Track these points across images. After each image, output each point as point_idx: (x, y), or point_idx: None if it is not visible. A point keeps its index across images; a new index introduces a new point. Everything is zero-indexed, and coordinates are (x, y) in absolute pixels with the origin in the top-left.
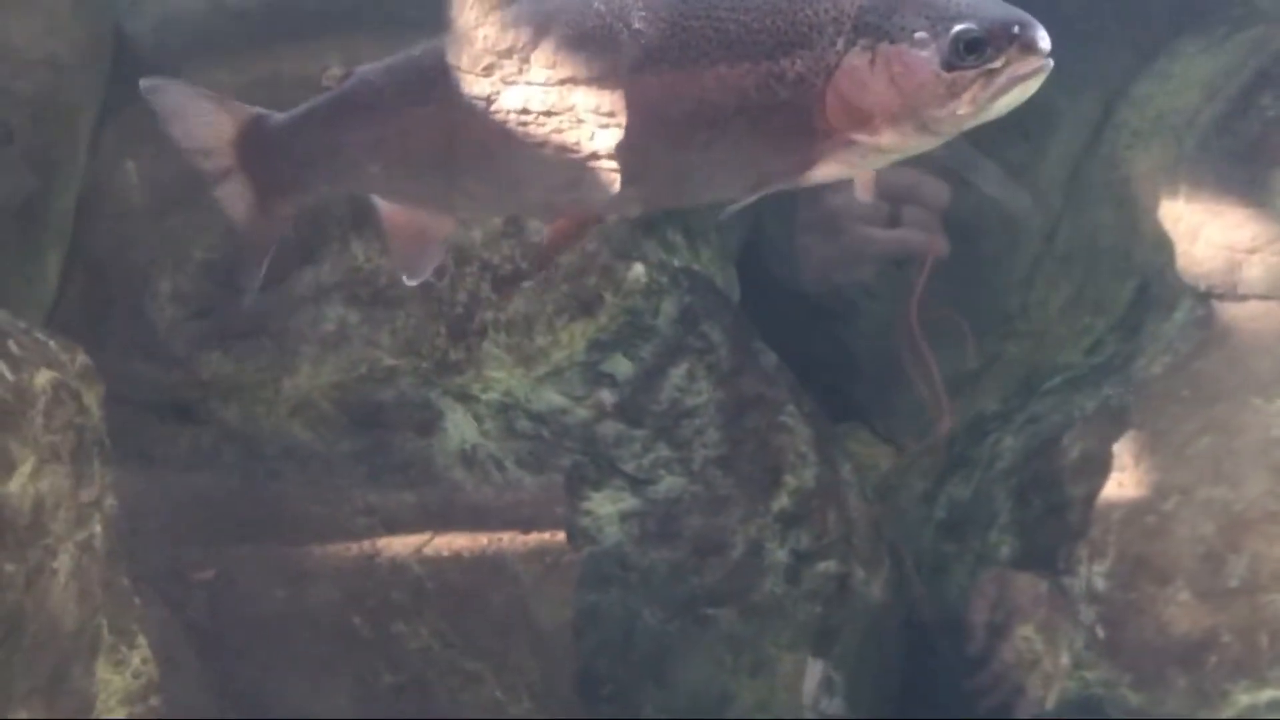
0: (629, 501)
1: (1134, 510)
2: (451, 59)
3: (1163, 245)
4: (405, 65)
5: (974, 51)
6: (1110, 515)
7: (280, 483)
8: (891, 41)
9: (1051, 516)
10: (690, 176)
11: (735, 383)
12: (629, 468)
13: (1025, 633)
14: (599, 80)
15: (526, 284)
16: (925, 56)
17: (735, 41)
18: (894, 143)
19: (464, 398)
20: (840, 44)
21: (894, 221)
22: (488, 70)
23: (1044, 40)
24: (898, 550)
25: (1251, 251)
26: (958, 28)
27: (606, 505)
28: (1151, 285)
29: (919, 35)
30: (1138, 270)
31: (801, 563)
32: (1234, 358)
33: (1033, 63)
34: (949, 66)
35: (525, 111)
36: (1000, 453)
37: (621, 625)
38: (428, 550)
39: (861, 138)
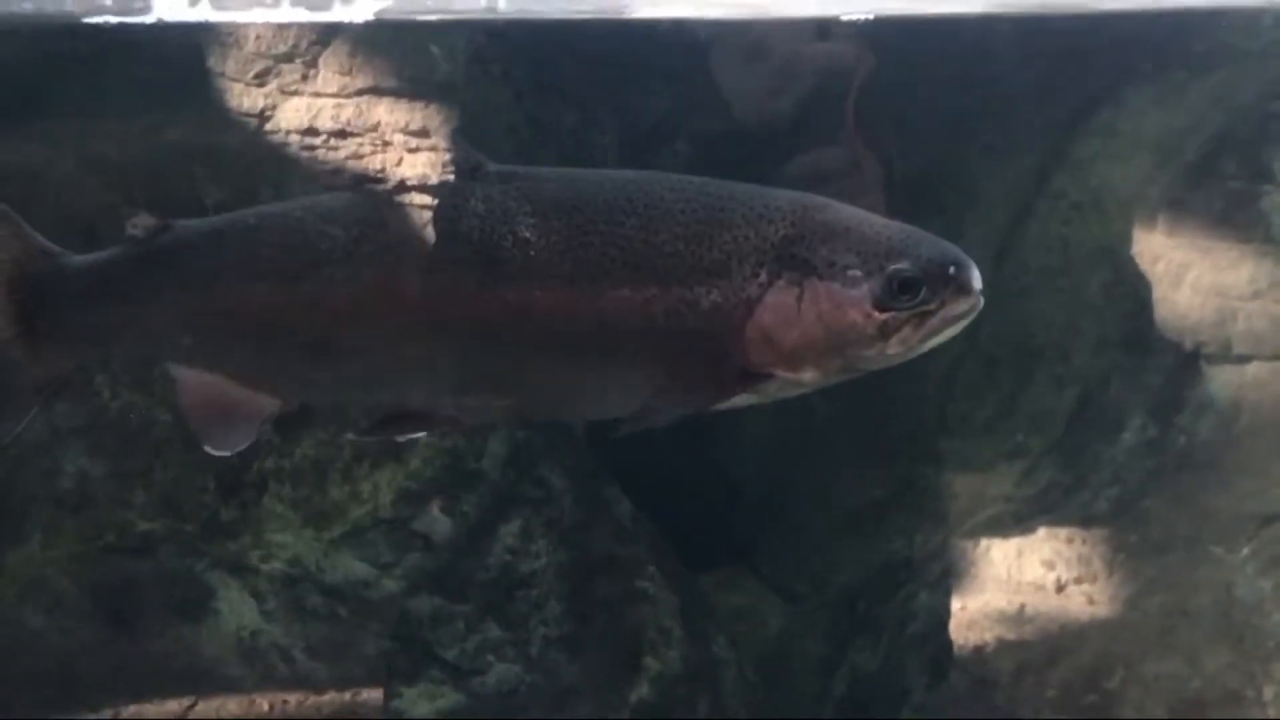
0: (450, 698)
1: (1071, 688)
2: (294, 230)
3: (1108, 346)
4: (236, 231)
5: (908, 292)
6: (1043, 693)
7: (4, 685)
8: (820, 278)
9: (973, 695)
10: (575, 394)
11: (581, 541)
12: (450, 654)
13: None
14: (467, 283)
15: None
16: (857, 296)
17: (642, 263)
18: (815, 379)
19: (239, 569)
20: (763, 275)
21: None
22: (337, 248)
23: (977, 280)
24: None
25: (1212, 345)
26: (892, 267)
27: (422, 704)
28: (1096, 397)
29: (851, 273)
30: (1079, 377)
31: None
32: (1190, 491)
33: (966, 303)
34: (882, 307)
35: (380, 298)
36: (913, 611)
37: None
38: None
39: (782, 373)
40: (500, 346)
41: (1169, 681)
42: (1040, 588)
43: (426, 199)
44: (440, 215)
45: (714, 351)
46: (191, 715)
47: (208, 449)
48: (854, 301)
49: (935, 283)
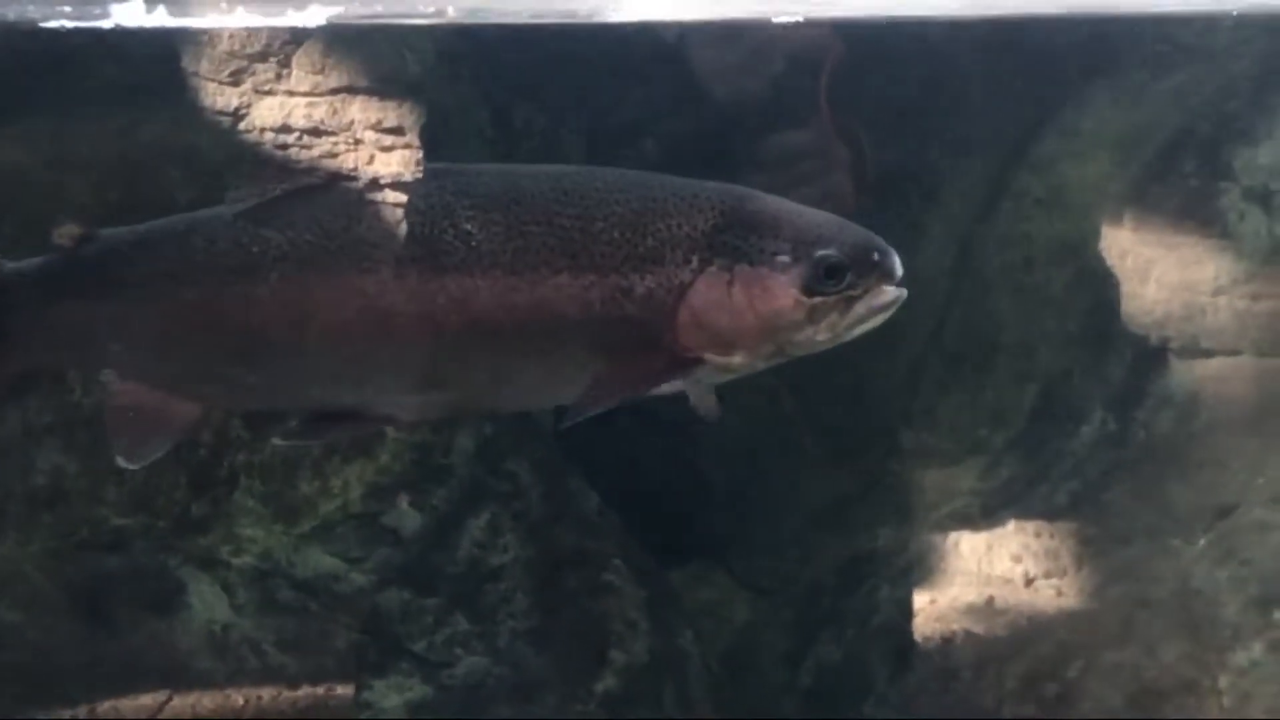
0: (419, 690)
1: (1032, 678)
2: (225, 233)
3: (1070, 342)
4: (164, 237)
5: (835, 277)
6: (1004, 684)
7: None
8: (750, 263)
9: (936, 685)
10: (515, 385)
11: (549, 534)
12: (419, 647)
13: None
14: (408, 278)
15: None
16: (785, 281)
17: (580, 251)
18: (745, 363)
19: (210, 564)
20: (695, 262)
21: None
22: (270, 249)
23: (899, 268)
24: None
25: (1178, 340)
26: (820, 252)
27: (391, 695)
28: (1058, 392)
29: (780, 258)
30: (1041, 372)
31: None
32: (1150, 484)
33: (891, 291)
34: (809, 292)
35: (311, 296)
36: (876, 604)
37: None
38: None
39: (713, 358)
40: (442, 340)
41: (1128, 671)
42: (1009, 581)
43: (364, 196)
44: (379, 211)
45: (648, 337)
46: (166, 709)
47: (119, 460)
48: (782, 286)
49: (861, 268)
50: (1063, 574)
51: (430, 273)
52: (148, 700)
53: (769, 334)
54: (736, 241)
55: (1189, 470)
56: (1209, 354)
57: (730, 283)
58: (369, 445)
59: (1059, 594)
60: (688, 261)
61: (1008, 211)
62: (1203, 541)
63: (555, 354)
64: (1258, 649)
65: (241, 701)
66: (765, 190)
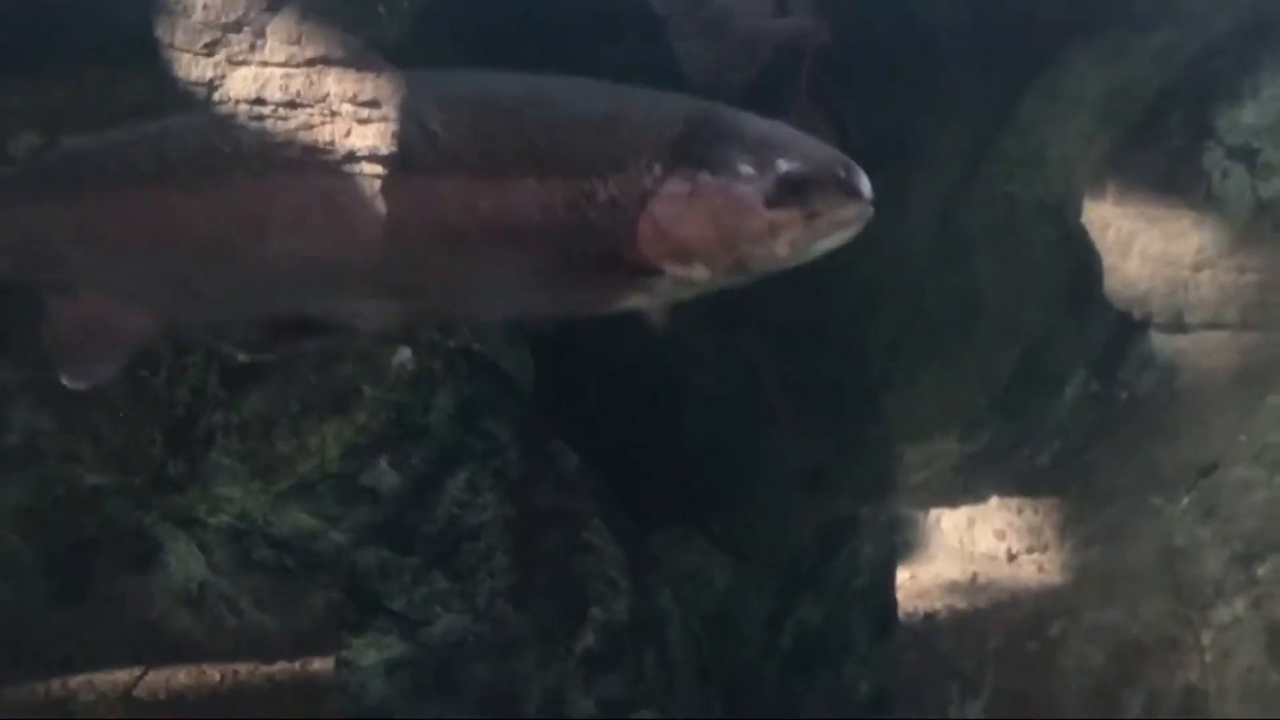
0: (398, 648)
1: (1013, 637)
2: (196, 135)
3: (1051, 303)
4: (127, 142)
5: (798, 192)
6: (986, 643)
7: None
8: (714, 173)
9: (916, 646)
10: (477, 292)
11: (528, 494)
12: (397, 605)
13: None
14: (371, 175)
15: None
16: (748, 192)
17: (545, 156)
18: (705, 277)
19: (187, 523)
20: (658, 170)
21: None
22: (240, 150)
23: (865, 185)
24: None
25: (1162, 315)
26: (784, 166)
27: (370, 653)
28: (1039, 353)
29: (744, 170)
30: (1023, 334)
31: (612, 715)
32: (1132, 445)
33: (854, 207)
34: (771, 204)
35: (273, 198)
36: (857, 566)
37: None
38: None
39: (673, 269)
40: (406, 242)
41: (1109, 629)
42: (992, 558)
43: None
44: (346, 113)
45: (610, 246)
46: (141, 684)
47: (65, 380)
48: (745, 197)
49: (824, 184)
50: (1045, 549)
51: (395, 174)
52: (123, 676)
53: (729, 246)
54: (701, 151)
55: (1171, 430)
56: (1192, 329)
57: (692, 192)
58: (346, 404)
59: (1041, 569)
60: (651, 169)
61: (989, 174)
62: (1185, 500)
63: (518, 261)
64: (1240, 605)
65: (218, 677)
66: None
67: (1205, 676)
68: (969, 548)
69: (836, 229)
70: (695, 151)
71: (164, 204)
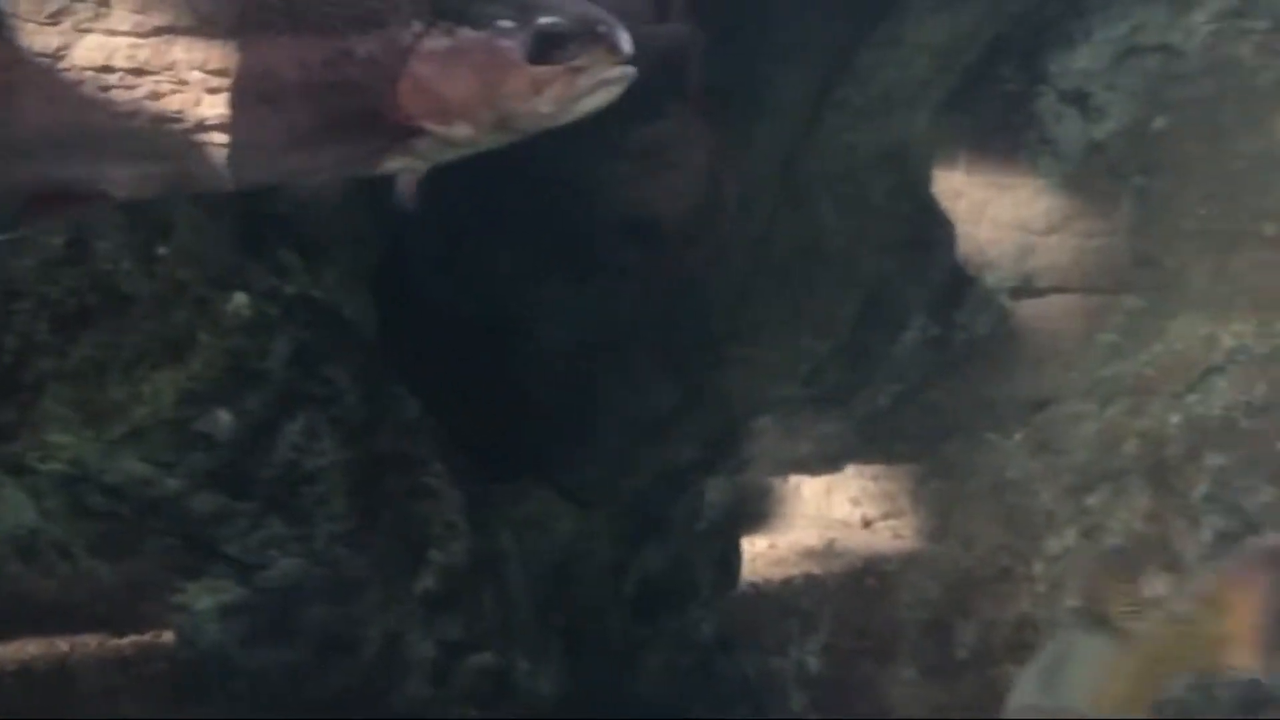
0: (233, 592)
1: (852, 574)
2: None
3: (891, 248)
4: None
5: (559, 47)
6: (825, 582)
7: None
8: (474, 28)
9: (757, 585)
10: (233, 156)
11: (367, 439)
12: (233, 550)
13: None
14: (125, 36)
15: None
16: (509, 47)
17: (301, 12)
18: (468, 136)
19: (18, 470)
20: (417, 25)
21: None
22: None
23: (627, 44)
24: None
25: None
26: (544, 21)
27: (205, 598)
28: (880, 298)
29: (503, 24)
30: (864, 281)
31: (451, 657)
32: (969, 384)
33: (616, 67)
34: (533, 59)
35: (26, 63)
36: (701, 510)
37: None
38: None
39: (434, 127)
40: (161, 103)
41: (945, 562)
42: (848, 525)
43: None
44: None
45: (369, 105)
46: None
47: None
48: (505, 51)
49: (585, 40)
50: (900, 515)
51: (148, 34)
52: None
53: (491, 102)
54: (460, 6)
55: (1008, 368)
56: (1045, 293)
57: (452, 48)
58: (180, 350)
59: (896, 535)
60: (410, 24)
61: (830, 121)
62: (1019, 435)
63: (277, 122)
64: (1070, 535)
65: (67, 648)
66: None
67: (1037, 606)
68: (825, 514)
69: (599, 87)
70: (455, 6)
71: None
